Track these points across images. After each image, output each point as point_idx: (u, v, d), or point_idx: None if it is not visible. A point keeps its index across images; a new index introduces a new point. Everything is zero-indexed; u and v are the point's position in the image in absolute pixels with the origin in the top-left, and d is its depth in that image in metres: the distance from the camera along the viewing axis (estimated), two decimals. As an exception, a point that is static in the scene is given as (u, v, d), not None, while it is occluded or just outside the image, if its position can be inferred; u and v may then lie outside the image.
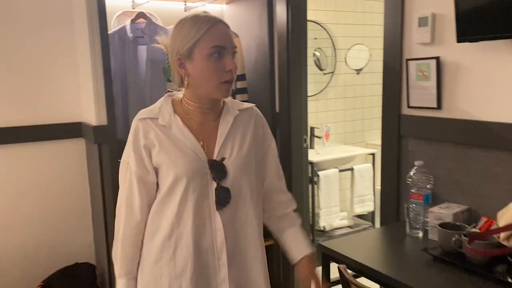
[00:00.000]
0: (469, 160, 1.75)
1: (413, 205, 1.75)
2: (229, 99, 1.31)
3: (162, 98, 1.27)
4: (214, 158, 1.21)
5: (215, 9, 2.83)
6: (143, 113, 1.24)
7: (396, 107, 1.98)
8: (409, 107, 1.93)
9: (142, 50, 2.45)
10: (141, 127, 1.21)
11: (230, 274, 1.23)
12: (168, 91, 1.31)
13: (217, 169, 1.20)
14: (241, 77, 2.61)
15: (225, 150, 1.23)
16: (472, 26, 1.60)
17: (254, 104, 1.36)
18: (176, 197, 1.19)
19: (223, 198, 1.20)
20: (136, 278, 1.27)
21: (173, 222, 1.20)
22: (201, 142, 1.22)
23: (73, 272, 2.33)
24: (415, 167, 1.83)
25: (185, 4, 2.74)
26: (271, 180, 1.38)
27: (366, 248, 1.72)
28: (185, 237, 1.20)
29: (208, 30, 1.14)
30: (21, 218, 2.32)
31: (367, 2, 4.09)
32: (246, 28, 2.74)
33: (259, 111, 1.36)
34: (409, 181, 1.83)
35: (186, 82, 1.20)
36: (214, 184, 1.20)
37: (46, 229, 2.38)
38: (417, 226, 1.75)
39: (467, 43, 1.65)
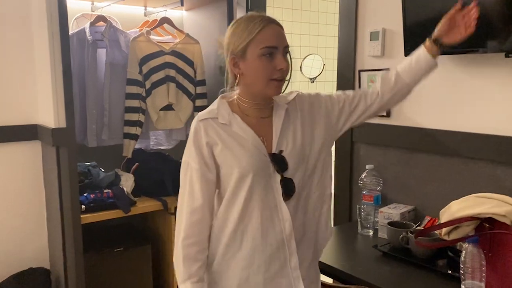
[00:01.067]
0: (414, 164, 1.90)
1: (364, 206, 1.87)
2: (277, 96, 1.32)
3: (216, 100, 1.31)
4: (273, 151, 1.25)
5: (175, 15, 2.86)
6: (202, 114, 1.27)
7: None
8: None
9: (101, 53, 2.44)
10: (202, 126, 1.25)
11: (300, 258, 1.27)
12: (222, 92, 1.34)
13: (279, 161, 1.24)
14: (201, 83, 2.66)
15: (282, 143, 1.26)
16: (418, 42, 1.73)
17: (298, 91, 1.37)
18: (243, 192, 1.22)
19: (289, 188, 1.24)
20: (201, 282, 1.25)
21: (239, 216, 1.23)
22: (261, 137, 1.25)
23: (27, 277, 2.27)
24: (366, 171, 1.96)
25: (145, 9, 2.76)
26: (352, 103, 1.36)
27: (322, 246, 1.82)
28: (250, 230, 1.23)
29: (260, 31, 1.18)
30: (-29, 223, 2.24)
31: (322, 14, 4.26)
32: (206, 34, 2.79)
33: (302, 93, 1.37)
34: (360, 183, 1.95)
35: (237, 81, 1.26)
36: (278, 177, 1.24)
37: (-2, 233, 2.31)
38: (368, 226, 1.87)
39: (413, 57, 1.80)
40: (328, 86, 4.29)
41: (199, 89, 2.65)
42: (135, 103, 2.45)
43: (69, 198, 2.08)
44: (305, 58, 4.16)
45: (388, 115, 1.96)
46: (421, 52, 1.33)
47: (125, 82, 2.44)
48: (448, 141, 1.77)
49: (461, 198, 1.40)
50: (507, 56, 1.52)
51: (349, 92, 1.38)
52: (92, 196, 2.21)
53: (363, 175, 1.96)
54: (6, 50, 2.28)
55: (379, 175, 1.96)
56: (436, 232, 1.52)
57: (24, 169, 2.36)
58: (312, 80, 4.24)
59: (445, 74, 1.76)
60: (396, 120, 1.95)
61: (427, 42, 1.33)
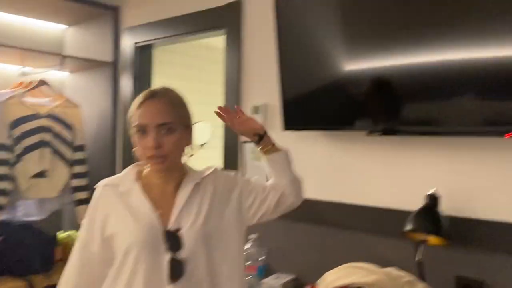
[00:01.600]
0: (294, 233, 1.95)
1: (248, 277, 1.86)
2: (192, 169, 1.32)
3: (129, 166, 1.31)
4: (170, 228, 1.19)
5: (56, 77, 2.73)
6: (104, 180, 1.27)
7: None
8: (245, 184, 2.10)
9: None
10: (100, 193, 1.25)
11: None
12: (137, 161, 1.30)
13: (172, 240, 1.17)
14: (80, 148, 2.52)
15: (181, 219, 1.21)
16: (294, 118, 1.87)
17: (215, 167, 1.36)
18: (128, 267, 1.16)
19: (177, 271, 1.16)
20: None
21: None
22: (159, 211, 1.21)
23: None
24: (250, 241, 1.96)
25: (23, 68, 2.60)
26: (264, 196, 1.33)
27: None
28: None
29: (137, 108, 1.21)
30: None
31: (211, 84, 4.40)
32: (89, 98, 2.70)
33: (220, 171, 1.36)
34: (244, 254, 1.94)
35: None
36: (168, 256, 1.16)
37: None
38: (252, 298, 1.85)
39: (292, 131, 1.91)
40: (216, 152, 4.35)
41: (78, 155, 2.50)
42: (1, 170, 2.21)
43: None
44: (194, 124, 4.21)
45: (270, 185, 2.03)
46: (264, 160, 1.39)
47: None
48: (326, 212, 1.86)
49: (335, 269, 1.46)
50: (368, 134, 1.69)
51: (264, 182, 1.38)
52: None
53: (247, 245, 1.96)
54: None
55: (263, 245, 1.97)
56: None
57: None
58: (202, 145, 4.28)
59: (321, 149, 1.89)
60: (277, 190, 2.02)
61: (257, 150, 1.39)
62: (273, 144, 1.38)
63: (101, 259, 1.21)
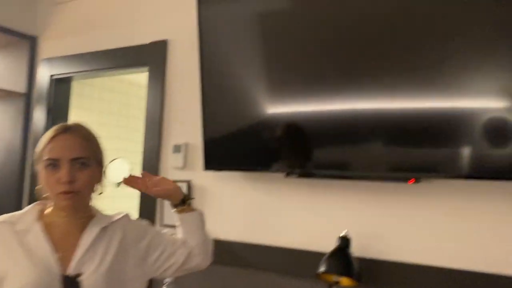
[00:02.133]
0: (212, 276, 1.92)
1: (162, 323, 1.78)
2: (100, 212, 1.27)
3: (31, 205, 1.23)
4: (69, 273, 1.12)
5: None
6: (2, 216, 1.19)
7: (152, 223, 2.06)
8: (162, 225, 2.05)
9: None
10: None
11: None
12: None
13: (70, 286, 1.10)
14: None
15: (83, 264, 1.14)
16: (215, 158, 1.88)
17: (127, 213, 1.31)
18: None
19: None
20: None
21: None
22: (59, 254, 1.14)
23: None
24: (165, 284, 1.89)
25: None
26: (172, 251, 1.30)
27: None
28: None
29: (48, 142, 1.17)
30: None
31: (130, 119, 4.30)
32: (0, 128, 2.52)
33: (131, 218, 1.32)
34: (159, 298, 1.87)
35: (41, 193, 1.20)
36: None
37: None
38: None
39: (212, 171, 1.92)
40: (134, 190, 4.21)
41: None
42: None
43: None
44: (111, 161, 4.06)
45: (189, 225, 1.99)
46: (176, 218, 1.37)
47: None
48: (244, 253, 1.86)
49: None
50: (286, 176, 1.74)
51: (175, 237, 1.35)
52: None
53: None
54: None
55: (179, 287, 1.91)
56: None
57: None
58: (118, 184, 4.12)
59: (240, 190, 1.91)
60: (196, 231, 1.99)
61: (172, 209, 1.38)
62: (189, 204, 1.37)
63: None
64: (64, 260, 1.14)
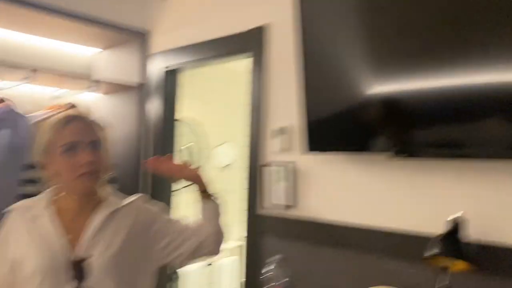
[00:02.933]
0: (320, 257, 1.94)
1: (271, 299, 1.85)
2: (111, 195, 1.30)
3: (43, 191, 1.29)
4: (78, 255, 1.17)
5: (88, 99, 2.82)
6: (17, 204, 1.25)
7: (256, 205, 2.15)
8: (267, 206, 2.11)
9: None
10: (10, 218, 1.23)
11: None
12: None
13: (78, 267, 1.15)
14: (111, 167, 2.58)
15: (92, 246, 1.19)
16: (319, 139, 1.88)
17: (139, 197, 1.36)
18: None
19: None
20: None
21: None
22: (69, 237, 1.19)
23: None
24: (273, 262, 1.96)
25: (56, 91, 2.70)
26: (181, 239, 1.35)
27: None
28: None
29: (58, 130, 1.21)
30: None
31: (233, 105, 4.46)
32: (118, 119, 2.78)
33: (144, 203, 1.36)
34: (267, 275, 1.94)
35: (51, 182, 1.23)
36: (74, 284, 1.14)
37: None
38: (275, 319, 1.83)
39: (316, 153, 1.92)
40: (238, 174, 4.38)
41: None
42: (30, 189, 2.28)
43: None
44: (217, 146, 4.26)
45: (293, 207, 2.03)
46: (197, 204, 1.42)
47: (20, 166, 2.28)
48: (347, 235, 1.85)
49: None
50: (393, 157, 1.68)
51: (186, 226, 1.39)
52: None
53: (271, 267, 1.95)
54: None
55: (286, 266, 1.97)
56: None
57: None
58: (224, 167, 4.31)
59: (344, 171, 1.89)
60: (300, 212, 2.02)
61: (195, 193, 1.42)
62: (211, 194, 1.42)
63: (7, 282, 1.20)
64: (74, 242, 1.19)
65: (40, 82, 2.53)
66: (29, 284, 1.15)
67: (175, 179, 1.44)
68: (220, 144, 4.28)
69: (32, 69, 2.24)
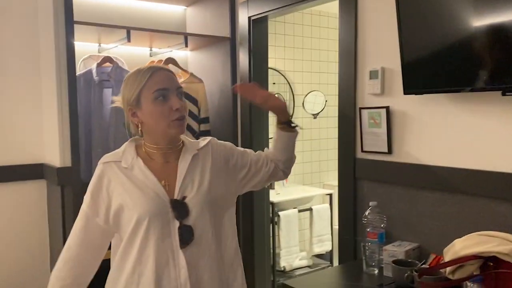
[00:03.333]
0: (417, 201, 1.89)
1: (369, 243, 1.86)
2: (188, 140, 1.37)
3: (126, 143, 1.35)
4: (175, 197, 1.25)
5: (180, 55, 2.94)
6: (106, 157, 1.31)
7: (351, 151, 2.13)
8: (363, 151, 2.08)
9: (108, 93, 2.50)
10: (104, 170, 1.28)
11: None
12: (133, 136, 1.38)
13: (179, 207, 1.24)
14: (205, 120, 2.70)
15: (185, 188, 1.27)
16: (416, 80, 1.78)
17: (211, 138, 1.42)
18: (138, 237, 1.23)
19: (186, 236, 1.23)
20: None
21: (135, 260, 1.23)
22: (163, 182, 1.26)
23: (28, 318, 2.25)
24: (369, 208, 1.95)
25: (151, 50, 2.84)
26: (257, 168, 1.44)
27: (326, 286, 1.80)
28: (146, 275, 1.22)
29: (149, 77, 1.25)
30: (-25, 262, 2.24)
31: (323, 52, 4.35)
32: (210, 73, 2.86)
33: (216, 141, 1.42)
34: (364, 220, 1.95)
35: (140, 129, 1.29)
36: (177, 223, 1.23)
37: (1, 272, 2.30)
38: (373, 264, 1.85)
39: (413, 95, 1.83)
40: (330, 121, 4.33)
41: (203, 127, 2.68)
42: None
43: (73, 237, 2.08)
44: (307, 94, 4.22)
45: (390, 151, 1.98)
46: (275, 132, 1.47)
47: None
48: (450, 178, 1.77)
49: (465, 236, 1.39)
50: (503, 94, 1.54)
51: (258, 155, 1.47)
52: (95, 235, 2.20)
53: (367, 212, 1.95)
54: (15, 90, 2.34)
55: (383, 212, 1.95)
56: (441, 270, 1.50)
57: (28, 209, 2.37)
58: (315, 116, 4.29)
59: (444, 112, 1.79)
60: (397, 156, 1.96)
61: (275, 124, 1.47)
62: (292, 125, 1.46)
63: (103, 230, 1.29)
64: (168, 187, 1.26)
65: (135, 42, 2.67)
66: (136, 229, 1.22)
67: (262, 106, 1.48)
68: (310, 92, 4.24)
69: (128, 29, 2.36)
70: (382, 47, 1.98)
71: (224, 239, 1.33)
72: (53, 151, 2.22)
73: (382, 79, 1.98)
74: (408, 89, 1.80)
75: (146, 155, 1.30)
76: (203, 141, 1.39)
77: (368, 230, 1.89)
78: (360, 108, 2.06)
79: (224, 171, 1.37)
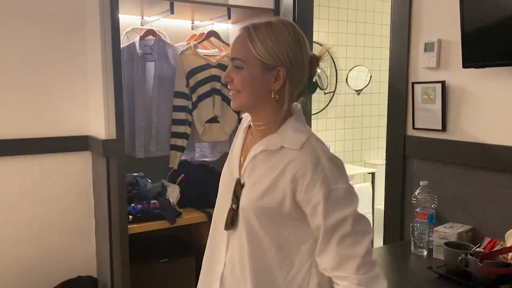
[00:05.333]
0: (473, 181, 1.79)
1: (418, 224, 1.78)
2: (292, 128, 1.11)
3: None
4: (240, 179, 1.15)
5: (222, 28, 2.88)
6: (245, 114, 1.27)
7: (401, 128, 2.03)
8: (414, 128, 1.98)
9: (150, 66, 2.49)
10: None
11: None
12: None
13: (238, 190, 1.14)
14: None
15: (247, 176, 1.14)
16: (477, 53, 1.66)
17: (318, 154, 1.08)
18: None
19: (231, 220, 1.13)
20: None
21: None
22: (241, 159, 1.18)
23: (75, 285, 2.32)
24: (420, 187, 1.87)
25: (193, 23, 2.80)
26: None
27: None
28: (206, 247, 1.25)
29: None
30: (25, 231, 2.31)
31: (368, 25, 4.18)
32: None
33: (309, 155, 1.06)
34: (413, 200, 1.87)
35: None
36: (233, 205, 1.14)
37: (49, 242, 2.37)
38: (422, 245, 1.78)
39: (472, 69, 1.71)
40: (374, 97, 4.20)
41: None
42: (182, 115, 2.47)
43: (117, 208, 2.11)
44: (351, 69, 4.09)
45: (444, 129, 1.87)
46: None
47: (172, 95, 2.47)
48: (510, 157, 1.66)
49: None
50: None
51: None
52: (139, 206, 2.24)
53: (416, 192, 1.87)
54: (60, 63, 2.36)
55: (433, 192, 1.86)
56: (500, 255, 1.42)
57: (74, 179, 2.43)
58: (358, 92, 4.15)
59: (506, 87, 1.66)
60: (453, 134, 1.86)
61: None
62: None
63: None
64: (241, 166, 1.16)
65: (178, 15, 2.64)
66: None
67: None
68: (354, 67, 4.10)
69: (171, 0, 2.33)
70: (439, 18, 1.85)
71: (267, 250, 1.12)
72: (99, 124, 2.24)
73: (438, 52, 1.86)
74: (468, 62, 1.68)
75: (251, 129, 1.21)
76: (305, 147, 1.08)
77: (417, 210, 1.82)
78: (413, 83, 1.95)
79: (290, 195, 1.07)
